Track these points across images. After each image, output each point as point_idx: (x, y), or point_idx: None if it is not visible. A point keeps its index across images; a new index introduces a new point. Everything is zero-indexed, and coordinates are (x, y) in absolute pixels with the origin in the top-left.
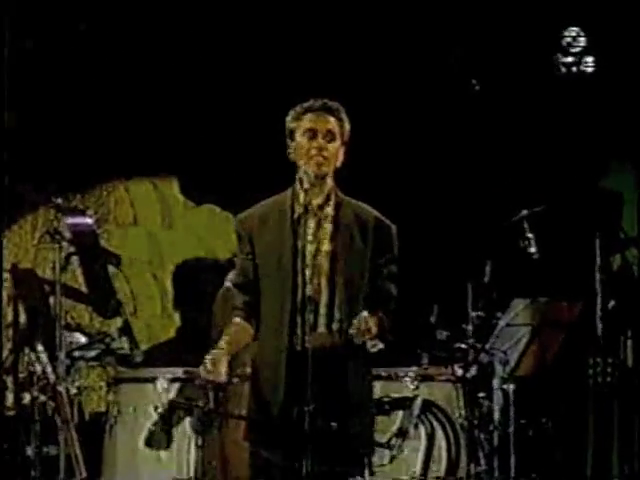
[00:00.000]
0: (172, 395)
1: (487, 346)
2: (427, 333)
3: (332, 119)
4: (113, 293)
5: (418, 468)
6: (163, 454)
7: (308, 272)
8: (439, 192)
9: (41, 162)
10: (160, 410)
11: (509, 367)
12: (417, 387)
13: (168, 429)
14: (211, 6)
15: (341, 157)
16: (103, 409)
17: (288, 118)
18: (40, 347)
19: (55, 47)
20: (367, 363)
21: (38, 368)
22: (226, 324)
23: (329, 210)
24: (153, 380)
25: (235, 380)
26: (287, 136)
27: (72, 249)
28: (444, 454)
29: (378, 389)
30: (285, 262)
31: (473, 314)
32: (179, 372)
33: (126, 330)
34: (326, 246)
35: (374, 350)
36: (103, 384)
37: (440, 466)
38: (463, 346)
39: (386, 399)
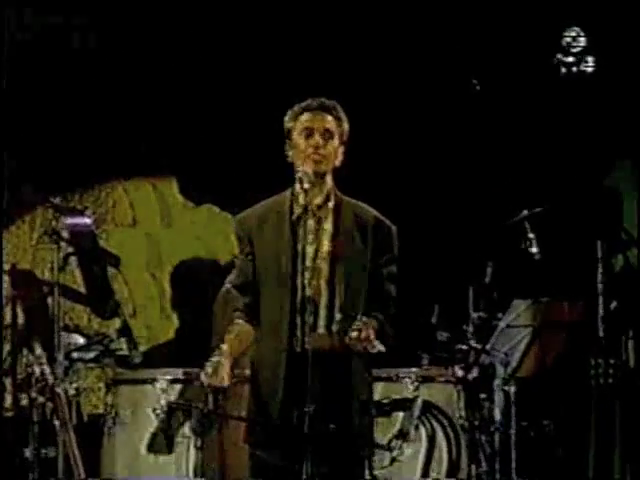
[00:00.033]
0: (171, 396)
1: (488, 347)
2: (428, 334)
3: (330, 118)
4: (112, 294)
5: (419, 470)
6: (162, 456)
7: (308, 273)
8: (440, 192)
9: (40, 162)
10: (159, 411)
11: (510, 368)
12: (417, 388)
13: (170, 434)
14: (210, 7)
15: (340, 156)
16: (102, 410)
17: (286, 118)
18: (38, 348)
19: (54, 47)
20: (367, 364)
21: (36, 369)
22: (227, 325)
23: (328, 210)
24: (152, 381)
25: (234, 381)
26: (285, 136)
27: (70, 249)
28: (445, 456)
29: (378, 390)
30: (284, 263)
31: (474, 315)
32: (178, 373)
33: (125, 331)
34: (326, 247)
35: (374, 351)
36: (102, 385)
37: (441, 468)
38: (464, 347)
39: (386, 400)
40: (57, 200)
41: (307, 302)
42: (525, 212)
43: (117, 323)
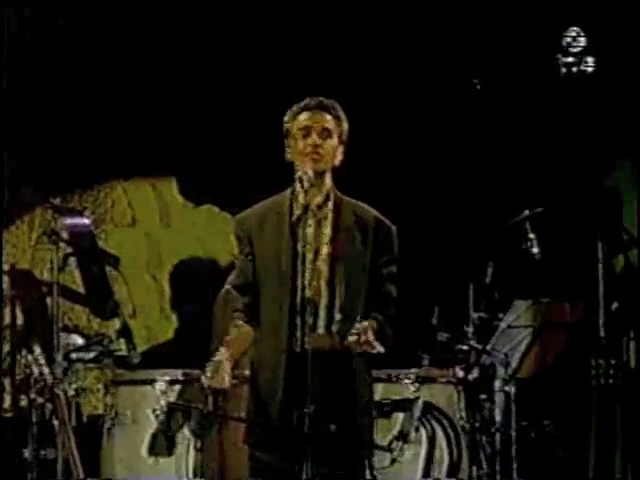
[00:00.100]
0: (170, 397)
1: (488, 348)
2: (428, 334)
3: (328, 117)
4: (111, 294)
5: (419, 471)
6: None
7: (307, 274)
8: (440, 192)
9: (39, 162)
10: (158, 412)
11: (511, 369)
12: (418, 389)
13: (170, 435)
14: (210, 8)
15: (340, 156)
16: (101, 411)
17: (285, 118)
18: (37, 349)
19: (54, 47)
20: (367, 365)
21: (35, 370)
22: (227, 326)
23: (328, 210)
24: (151, 382)
25: (234, 382)
26: (284, 136)
27: (69, 250)
28: (445, 457)
29: (379, 391)
30: (284, 264)
31: (474, 315)
32: (178, 374)
33: (124, 332)
34: (325, 247)
35: (373, 352)
36: (101, 386)
37: (441, 469)
38: (464, 348)
39: (386, 401)
40: (56, 200)
41: (307, 302)
42: (526, 212)
43: (116, 323)
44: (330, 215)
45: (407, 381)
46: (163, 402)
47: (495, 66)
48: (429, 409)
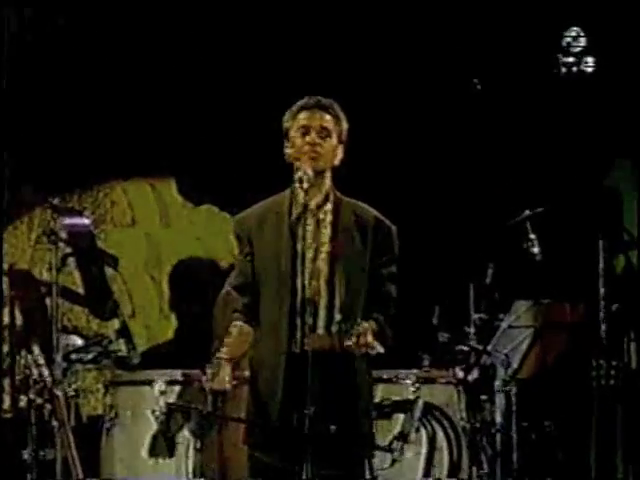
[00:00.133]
0: (170, 397)
1: (489, 348)
2: (428, 335)
3: (327, 116)
4: (110, 295)
5: (420, 471)
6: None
7: (307, 274)
8: (440, 192)
9: (38, 163)
10: (158, 413)
11: (511, 369)
12: (418, 390)
13: (170, 436)
14: (209, 8)
15: (339, 155)
16: (100, 412)
17: (284, 118)
18: (37, 349)
19: (54, 47)
20: (367, 365)
21: (35, 371)
22: (227, 327)
23: (328, 210)
24: (151, 383)
25: (234, 383)
26: (284, 136)
27: (69, 250)
28: (446, 457)
29: (379, 392)
30: (284, 264)
31: (475, 316)
32: (177, 374)
33: (124, 332)
34: (325, 247)
35: (373, 352)
36: (100, 387)
37: (442, 470)
38: (465, 348)
39: (387, 402)
40: (55, 200)
41: (307, 303)
42: (526, 212)
43: (116, 324)
44: (329, 215)
45: (407, 382)
46: (162, 403)
47: (495, 66)
48: (429, 410)
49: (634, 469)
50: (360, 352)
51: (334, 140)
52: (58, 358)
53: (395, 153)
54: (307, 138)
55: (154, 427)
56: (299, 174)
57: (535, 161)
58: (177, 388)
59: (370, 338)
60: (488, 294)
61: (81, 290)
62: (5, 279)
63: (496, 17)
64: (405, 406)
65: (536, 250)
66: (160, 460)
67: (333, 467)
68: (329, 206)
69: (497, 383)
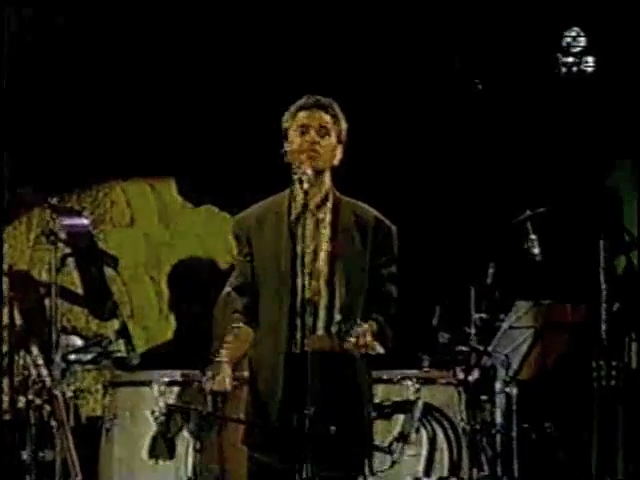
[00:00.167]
0: (169, 398)
1: (489, 349)
2: (429, 336)
3: (326, 116)
4: (110, 295)
5: (420, 472)
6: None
7: (307, 275)
8: (441, 193)
9: (38, 163)
10: (157, 414)
11: (512, 370)
12: (418, 390)
13: (169, 437)
14: (209, 8)
15: (338, 155)
16: (99, 412)
17: (283, 118)
18: (36, 350)
19: (54, 47)
20: (367, 366)
21: (34, 371)
22: (227, 328)
23: (327, 210)
24: (150, 383)
25: (234, 384)
26: (283, 136)
27: (68, 250)
28: (446, 458)
29: (379, 392)
30: (283, 265)
31: (475, 316)
32: (176, 375)
33: (123, 333)
34: (325, 248)
35: (373, 353)
36: (99, 387)
37: (442, 470)
38: (465, 349)
39: (387, 403)
40: (54, 200)
41: (306, 303)
42: (527, 213)
43: (115, 324)
44: (329, 215)
45: (408, 382)
46: (162, 403)
47: (496, 66)
48: (429, 410)
49: (635, 469)
50: (360, 353)
51: (333, 139)
52: (57, 358)
53: (395, 153)
54: (306, 137)
55: (153, 428)
56: (299, 175)
57: (535, 161)
58: (176, 389)
59: (370, 339)
60: (489, 294)
61: (80, 290)
62: (5, 279)
63: (496, 17)
64: (405, 407)
65: (537, 250)
66: (159, 461)
67: (333, 468)
68: (329, 206)
69: (497, 384)
